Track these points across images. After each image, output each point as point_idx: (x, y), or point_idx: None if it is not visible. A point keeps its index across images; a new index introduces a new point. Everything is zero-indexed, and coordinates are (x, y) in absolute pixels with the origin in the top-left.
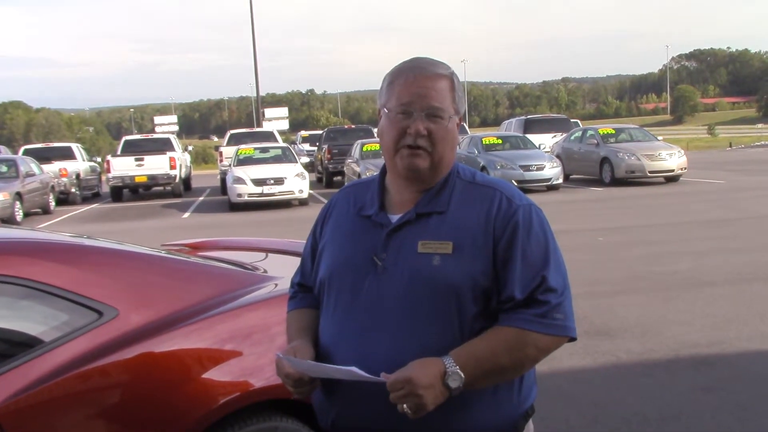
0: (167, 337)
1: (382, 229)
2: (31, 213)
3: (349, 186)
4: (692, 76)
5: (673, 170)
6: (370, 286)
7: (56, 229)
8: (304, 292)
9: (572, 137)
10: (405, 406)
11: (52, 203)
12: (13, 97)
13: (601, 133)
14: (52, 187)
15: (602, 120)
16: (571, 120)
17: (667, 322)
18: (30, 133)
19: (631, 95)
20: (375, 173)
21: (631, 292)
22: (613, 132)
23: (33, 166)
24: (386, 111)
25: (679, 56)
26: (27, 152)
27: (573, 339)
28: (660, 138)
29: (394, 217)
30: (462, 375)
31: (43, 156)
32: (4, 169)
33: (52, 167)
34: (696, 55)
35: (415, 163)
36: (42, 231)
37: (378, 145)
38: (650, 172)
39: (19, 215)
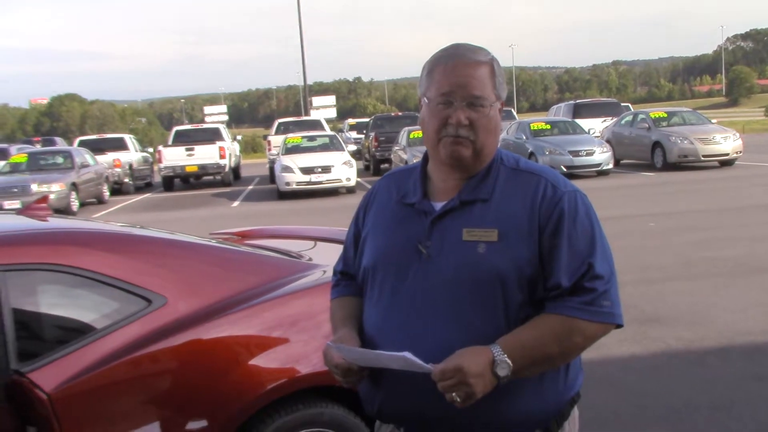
0: (215, 324)
1: (426, 217)
2: (87, 203)
3: (390, 174)
4: (748, 57)
5: (727, 154)
6: (415, 275)
7: (110, 218)
8: (347, 280)
9: (623, 121)
10: (454, 394)
11: (107, 193)
12: (69, 89)
13: (653, 116)
14: (106, 177)
15: (654, 103)
16: (622, 104)
17: (720, 309)
18: (84, 124)
19: (684, 78)
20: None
21: (683, 278)
22: (665, 115)
23: (87, 157)
24: (426, 100)
25: (735, 36)
26: (82, 144)
27: (620, 326)
28: (714, 121)
29: (438, 205)
30: (510, 363)
31: (97, 147)
32: (60, 160)
33: (106, 158)
34: (752, 35)
35: (458, 151)
36: (95, 221)
37: None
38: (704, 156)
39: (75, 205)
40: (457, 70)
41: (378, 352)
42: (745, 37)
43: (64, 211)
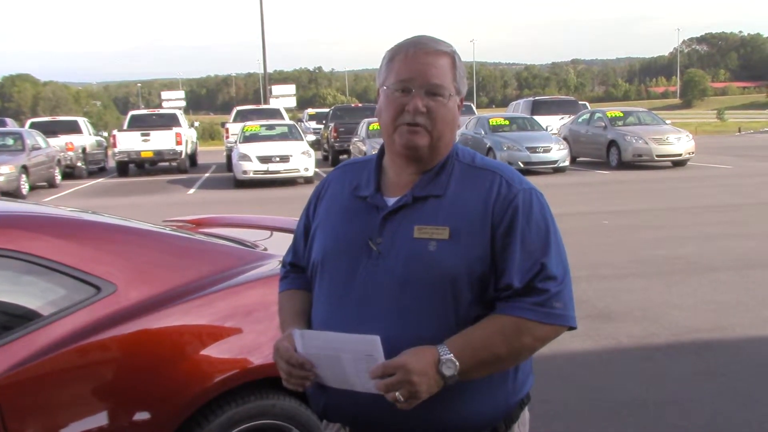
0: (166, 313)
1: (378, 212)
2: (37, 186)
3: (345, 165)
4: (703, 60)
5: (680, 154)
6: (364, 271)
7: (61, 203)
8: (296, 272)
9: (580, 119)
10: (397, 393)
11: (58, 177)
12: (21, 69)
13: (609, 115)
14: (58, 160)
15: (611, 102)
16: (580, 102)
17: (670, 306)
18: (37, 106)
19: (640, 78)
20: None
21: (635, 275)
22: (621, 115)
23: (39, 139)
24: (385, 88)
25: (690, 39)
26: (33, 125)
27: (572, 328)
28: (668, 122)
29: (391, 200)
30: (456, 363)
31: (50, 129)
32: (11, 142)
33: (59, 141)
34: (707, 39)
35: (413, 140)
36: (43, 205)
37: None
38: (657, 156)
39: (24, 188)
40: (417, 58)
41: (341, 334)
42: (701, 40)
43: (13, 194)
